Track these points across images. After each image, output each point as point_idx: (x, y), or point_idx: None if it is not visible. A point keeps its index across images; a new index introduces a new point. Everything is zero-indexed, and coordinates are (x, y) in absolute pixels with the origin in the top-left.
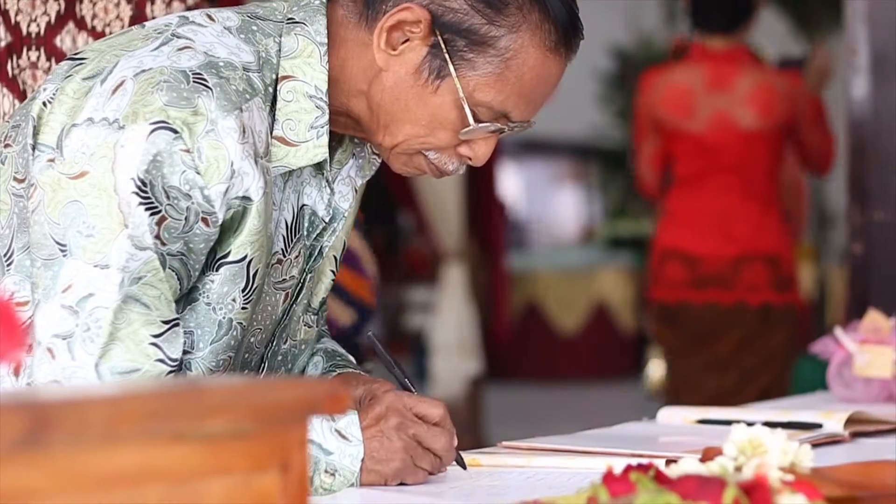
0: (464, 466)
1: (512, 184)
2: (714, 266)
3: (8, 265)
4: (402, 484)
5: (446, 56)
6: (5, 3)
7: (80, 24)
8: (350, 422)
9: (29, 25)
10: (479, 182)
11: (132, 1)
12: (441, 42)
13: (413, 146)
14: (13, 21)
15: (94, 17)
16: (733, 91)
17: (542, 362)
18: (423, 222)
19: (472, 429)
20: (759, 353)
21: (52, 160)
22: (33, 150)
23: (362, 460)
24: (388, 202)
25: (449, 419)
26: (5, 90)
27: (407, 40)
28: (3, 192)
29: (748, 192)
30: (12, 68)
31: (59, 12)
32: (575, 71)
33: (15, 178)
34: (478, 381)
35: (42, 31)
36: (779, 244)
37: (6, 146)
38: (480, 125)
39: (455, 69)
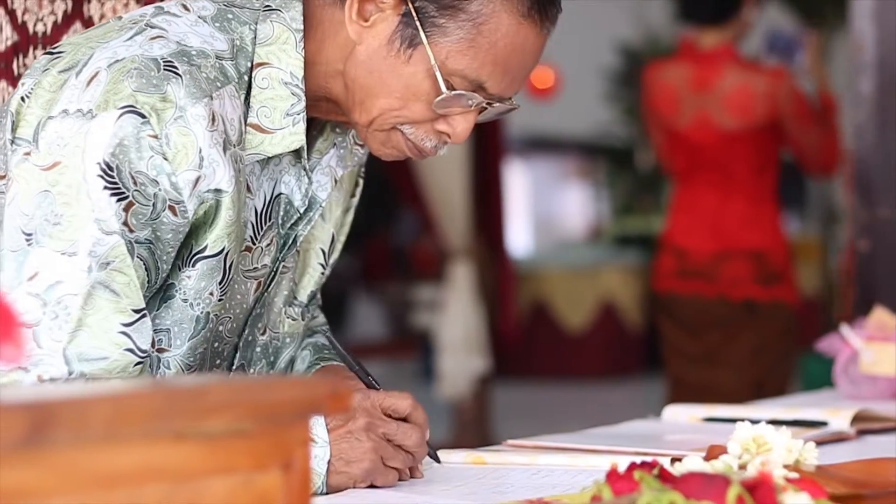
0: (437, 460)
1: (519, 181)
2: (698, 259)
3: None
4: (372, 486)
5: (417, 24)
6: (12, 3)
7: (88, 24)
8: (316, 422)
9: (35, 25)
10: (486, 180)
11: (141, 1)
12: (412, 10)
13: (388, 121)
14: (20, 20)
15: (101, 17)
16: (714, 92)
17: (549, 360)
18: (430, 220)
19: (479, 427)
20: (746, 347)
21: (28, 153)
22: (12, 144)
23: (329, 462)
24: (394, 200)
25: (419, 410)
26: (10, 89)
27: (379, 11)
28: None
29: (733, 190)
30: (18, 67)
31: (66, 12)
32: (582, 68)
33: None
34: (485, 379)
35: (48, 31)
36: (766, 240)
37: None
38: (454, 93)
39: (426, 36)
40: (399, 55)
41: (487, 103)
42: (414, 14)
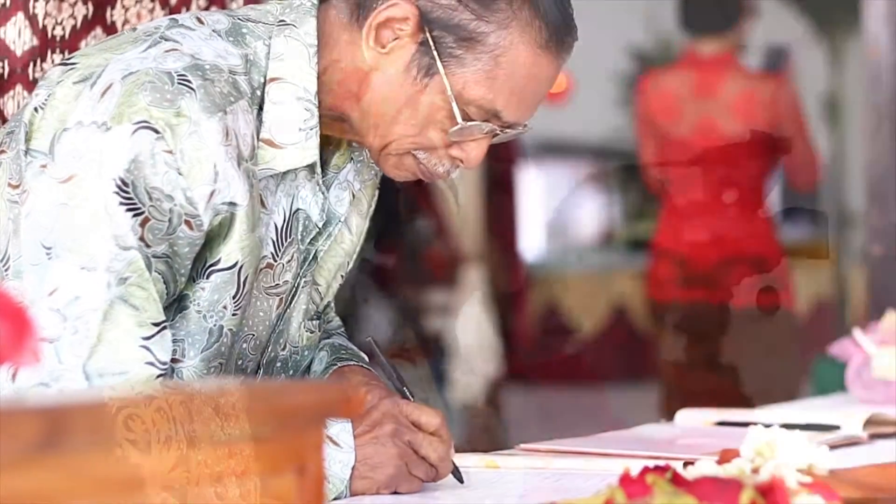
0: (460, 479)
1: (531, 186)
2: (701, 266)
3: (6, 270)
4: (395, 493)
5: (435, 53)
6: (33, 7)
7: (110, 30)
8: (342, 428)
9: (54, 29)
10: (499, 184)
11: (167, 7)
12: (430, 39)
13: (403, 146)
14: (40, 25)
15: (125, 22)
16: (717, 98)
17: (561, 364)
18: (443, 225)
19: (492, 431)
20: (751, 353)
21: (44, 166)
22: (26, 155)
23: (353, 468)
24: (407, 205)
25: (446, 429)
26: (27, 94)
27: (396, 38)
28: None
29: (733, 196)
30: (33, 72)
31: (86, 17)
32: (594, 73)
33: (10, 185)
34: (497, 383)
35: (67, 35)
36: (766, 245)
37: (1, 152)
38: (469, 124)
39: (443, 66)
40: (416, 83)
41: (501, 129)
42: (431, 43)
